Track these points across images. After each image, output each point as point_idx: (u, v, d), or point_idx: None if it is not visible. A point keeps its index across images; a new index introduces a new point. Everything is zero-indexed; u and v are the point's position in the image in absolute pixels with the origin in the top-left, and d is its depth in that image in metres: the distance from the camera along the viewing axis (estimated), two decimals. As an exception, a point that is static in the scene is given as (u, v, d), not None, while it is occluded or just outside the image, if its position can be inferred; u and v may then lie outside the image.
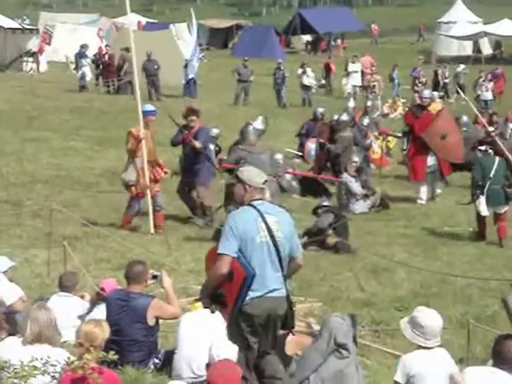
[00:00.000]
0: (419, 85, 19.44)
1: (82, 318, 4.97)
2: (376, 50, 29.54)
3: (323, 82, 21.82)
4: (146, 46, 19.38)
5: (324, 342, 3.95)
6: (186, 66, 18.92)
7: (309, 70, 19.88)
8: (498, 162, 8.15)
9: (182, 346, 4.40)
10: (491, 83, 19.59)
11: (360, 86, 20.61)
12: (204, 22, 33.91)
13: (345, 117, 10.94)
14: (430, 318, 3.59)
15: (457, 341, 5.12)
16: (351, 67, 21.01)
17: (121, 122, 15.35)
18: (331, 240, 7.23)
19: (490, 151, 9.06)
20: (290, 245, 3.81)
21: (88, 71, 19.84)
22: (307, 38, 35.60)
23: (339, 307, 5.55)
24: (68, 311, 5.02)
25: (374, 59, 22.47)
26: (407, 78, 21.18)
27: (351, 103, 13.45)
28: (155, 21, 35.07)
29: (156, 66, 18.38)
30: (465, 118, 11.37)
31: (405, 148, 9.94)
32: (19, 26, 23.84)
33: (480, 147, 9.83)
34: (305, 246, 7.04)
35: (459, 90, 15.99)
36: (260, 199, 3.83)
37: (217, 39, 35.62)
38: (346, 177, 9.37)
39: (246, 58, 19.77)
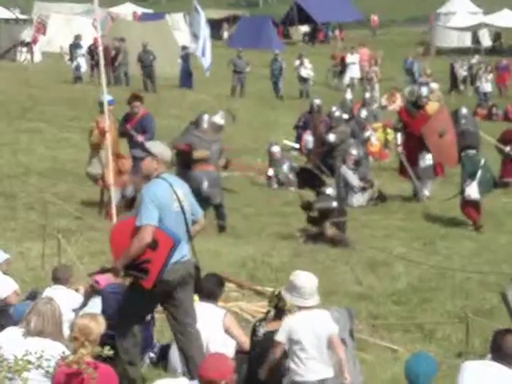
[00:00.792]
0: (424, 76, 19.30)
1: (76, 311, 4.92)
2: (375, 42, 29.42)
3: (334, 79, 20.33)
4: (142, 36, 19.22)
5: (321, 336, 3.91)
6: (183, 58, 18.77)
7: (306, 62, 19.77)
8: (482, 165, 8.20)
9: (177, 340, 4.37)
10: (491, 75, 19.47)
11: (360, 79, 20.48)
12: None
13: (338, 113, 10.85)
14: (305, 279, 3.77)
15: (455, 335, 5.11)
16: (349, 58, 20.90)
17: (116, 113, 15.24)
18: (330, 232, 7.16)
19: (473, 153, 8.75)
20: (192, 211, 4.12)
21: (83, 62, 19.68)
22: (305, 28, 35.44)
23: (336, 301, 5.50)
24: (62, 304, 4.95)
25: (373, 51, 22.36)
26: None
27: (349, 95, 13.37)
28: (151, 11, 34.83)
29: (152, 57, 18.24)
30: (464, 110, 11.29)
31: (399, 143, 9.49)
32: (13, 16, 23.63)
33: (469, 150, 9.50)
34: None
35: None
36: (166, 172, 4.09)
37: (213, 30, 35.40)
38: (344, 169, 9.31)
39: (240, 49, 19.63)
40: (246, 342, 4.30)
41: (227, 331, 4.38)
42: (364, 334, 5.10)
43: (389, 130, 12.79)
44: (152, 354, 4.52)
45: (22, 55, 22.16)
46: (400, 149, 9.44)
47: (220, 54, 21.40)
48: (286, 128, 13.59)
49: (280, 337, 3.69)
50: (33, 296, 5.16)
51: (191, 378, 3.76)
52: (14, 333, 3.70)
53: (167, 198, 3.96)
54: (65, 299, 5.00)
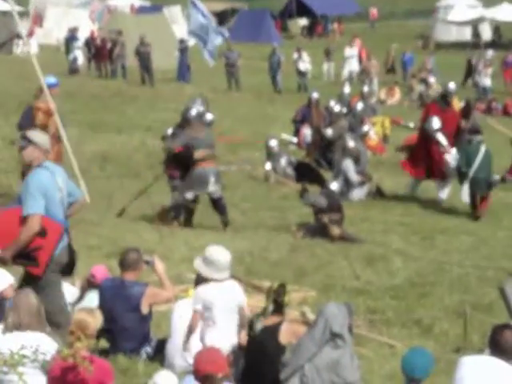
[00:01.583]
0: (424, 71, 19.17)
1: (72, 305, 4.90)
2: (373, 35, 29.33)
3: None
4: (139, 29, 19.14)
5: (319, 331, 3.91)
6: (181, 51, 18.68)
7: (305, 55, 19.70)
8: (484, 151, 8.14)
9: (174, 334, 4.37)
10: (490, 69, 19.39)
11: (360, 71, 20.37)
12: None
13: (337, 108, 10.78)
14: (220, 254, 4.08)
15: (453, 330, 5.11)
16: (348, 52, 20.82)
17: (112, 106, 15.18)
18: (335, 232, 7.12)
19: (476, 140, 8.66)
20: (71, 194, 4.33)
21: (80, 54, 19.59)
22: (303, 22, 35.34)
23: (334, 296, 5.50)
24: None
25: (369, 44, 22.27)
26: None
27: (346, 89, 13.32)
28: (148, 3, 34.68)
29: (149, 50, 18.17)
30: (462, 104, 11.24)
31: (446, 144, 8.53)
32: (9, 8, 23.44)
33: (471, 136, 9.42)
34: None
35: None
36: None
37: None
38: (346, 164, 9.25)
39: (229, 42, 19.51)
40: (244, 337, 4.30)
41: None
42: (362, 329, 5.09)
43: (387, 125, 12.76)
44: (149, 349, 4.51)
45: (19, 48, 22.04)
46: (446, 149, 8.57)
47: (219, 47, 21.30)
48: (284, 122, 13.54)
49: (197, 305, 3.99)
50: (29, 290, 5.13)
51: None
52: None
53: (51, 187, 4.14)
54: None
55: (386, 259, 6.56)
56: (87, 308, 3.78)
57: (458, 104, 8.97)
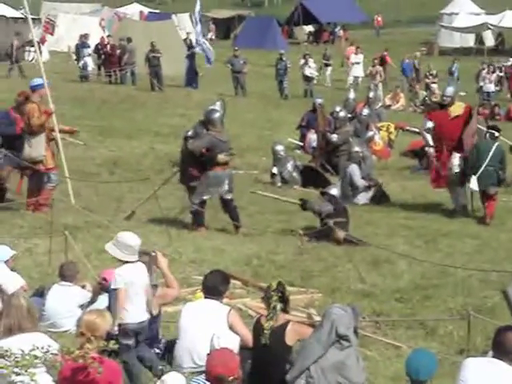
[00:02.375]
0: (430, 77, 19.21)
1: (82, 307, 4.98)
2: (379, 42, 29.37)
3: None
4: (148, 36, 19.30)
5: (325, 332, 3.94)
6: (188, 57, 18.85)
7: (311, 61, 19.80)
8: (496, 146, 8.20)
9: (183, 335, 4.42)
10: (494, 75, 19.38)
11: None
12: (206, 13, 33.76)
13: (342, 113, 10.83)
14: (133, 239, 4.40)
15: (457, 332, 5.13)
16: (354, 58, 20.91)
17: (122, 112, 15.30)
18: (340, 235, 7.18)
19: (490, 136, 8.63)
20: None
21: (90, 61, 19.77)
22: (309, 28, 35.42)
23: (340, 298, 5.55)
24: (68, 300, 5.04)
25: (374, 51, 22.33)
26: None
27: (351, 94, 13.39)
28: (157, 11, 34.90)
29: (159, 56, 18.35)
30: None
31: (431, 144, 8.50)
32: (22, 16, 23.71)
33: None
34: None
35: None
36: None
37: (219, 30, 35.46)
38: (352, 169, 9.30)
39: (236, 48, 19.68)
40: (250, 339, 4.35)
41: (231, 328, 4.42)
42: (367, 331, 5.13)
43: (392, 130, 12.80)
44: (157, 350, 4.57)
45: (30, 55, 22.25)
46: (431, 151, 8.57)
47: (226, 54, 21.45)
48: (290, 127, 13.62)
49: (120, 284, 4.30)
50: (40, 292, 5.22)
51: None
52: None
53: None
54: (71, 295, 5.08)
55: (390, 262, 6.60)
56: (97, 309, 3.84)
57: (459, 108, 8.86)
